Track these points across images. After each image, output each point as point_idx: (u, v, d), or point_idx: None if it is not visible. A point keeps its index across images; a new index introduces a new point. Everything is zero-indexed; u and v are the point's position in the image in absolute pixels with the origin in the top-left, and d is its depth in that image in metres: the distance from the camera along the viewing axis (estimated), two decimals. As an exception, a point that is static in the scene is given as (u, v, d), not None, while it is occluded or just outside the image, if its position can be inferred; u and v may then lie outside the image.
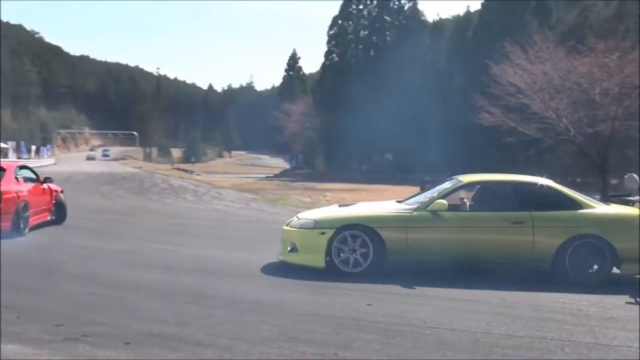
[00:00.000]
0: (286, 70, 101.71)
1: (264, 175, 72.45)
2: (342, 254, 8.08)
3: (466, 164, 57.09)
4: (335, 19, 72.05)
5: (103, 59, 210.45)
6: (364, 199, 24.61)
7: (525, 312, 6.25)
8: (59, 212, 13.82)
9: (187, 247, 10.89)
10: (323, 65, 75.32)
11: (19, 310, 5.66)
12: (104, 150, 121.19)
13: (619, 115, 25.57)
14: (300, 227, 8.50)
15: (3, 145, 68.94)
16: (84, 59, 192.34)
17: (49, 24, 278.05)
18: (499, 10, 56.81)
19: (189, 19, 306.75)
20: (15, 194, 11.11)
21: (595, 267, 8.04)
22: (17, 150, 73.08)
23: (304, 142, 77.87)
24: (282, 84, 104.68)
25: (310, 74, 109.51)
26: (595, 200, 8.80)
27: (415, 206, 8.51)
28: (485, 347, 4.94)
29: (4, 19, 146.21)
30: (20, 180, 12.01)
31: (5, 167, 11.89)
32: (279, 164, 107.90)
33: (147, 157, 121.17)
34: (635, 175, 23.15)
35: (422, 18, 68.95)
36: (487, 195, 8.80)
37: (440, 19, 73.05)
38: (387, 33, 69.00)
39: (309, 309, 6.11)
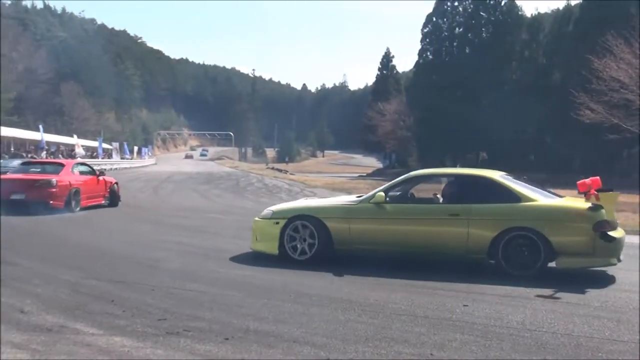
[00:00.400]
0: (379, 69, 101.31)
1: (357, 175, 72.59)
2: (293, 243, 8.82)
3: (564, 162, 55.48)
4: (429, 17, 71.23)
5: (201, 62, 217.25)
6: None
7: (630, 316, 5.98)
8: (112, 198, 18.08)
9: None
10: (417, 64, 74.62)
11: (123, 305, 5.92)
12: (203, 150, 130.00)
13: None
14: (262, 218, 9.35)
15: (108, 146, 71.99)
16: (183, 62, 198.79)
17: (151, 29, 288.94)
18: (602, 2, 54.59)
19: (284, 19, 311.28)
20: (68, 182, 15.67)
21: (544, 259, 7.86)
22: (120, 151, 75.99)
23: (397, 140, 77.45)
24: (375, 82, 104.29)
25: (403, 72, 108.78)
26: (543, 194, 8.59)
27: (361, 198, 9.03)
28: (588, 351, 4.77)
29: (110, 25, 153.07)
30: (77, 173, 16.76)
31: (65, 163, 18.02)
32: (372, 163, 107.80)
33: (243, 157, 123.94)
34: None
35: (520, 13, 67.19)
36: (452, 189, 9.05)
37: (538, 13, 71.30)
38: (483, 30, 67.61)
39: (403, 308, 6.08)
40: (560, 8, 73.87)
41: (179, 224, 14.49)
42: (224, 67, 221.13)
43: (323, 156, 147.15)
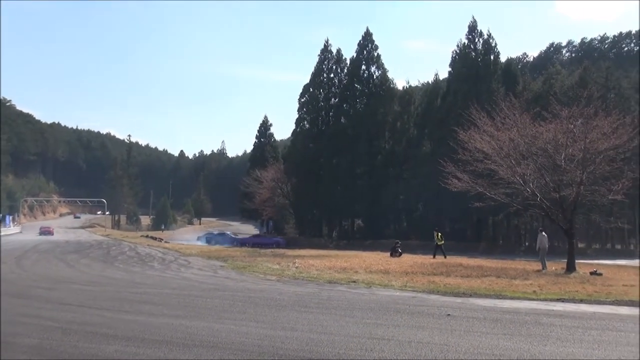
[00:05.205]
0: (257, 137, 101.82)
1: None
2: None
3: (434, 228, 57.45)
4: (306, 87, 72.74)
5: (74, 126, 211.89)
6: (333, 265, 24.50)
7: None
8: None
9: (151, 316, 10.60)
10: (294, 132, 75.74)
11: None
12: (76, 215, 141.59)
13: (583, 180, 25.79)
14: None
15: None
16: (54, 126, 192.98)
17: (21, 91, 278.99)
18: (467, 78, 58.12)
19: (162, 85, 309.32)
20: None
21: None
22: (-18, 218, 71.90)
23: (274, 208, 77.53)
24: (253, 150, 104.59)
25: (281, 140, 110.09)
26: None
27: None
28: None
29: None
30: None
31: None
32: (250, 230, 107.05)
33: (116, 225, 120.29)
34: (544, 234, 27.87)
35: (392, 86, 69.89)
36: None
37: (409, 86, 74.29)
38: (358, 100, 69.81)
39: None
40: (430, 82, 77.74)
41: (40, 296, 13.67)
42: (98, 132, 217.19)
43: (200, 223, 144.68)
